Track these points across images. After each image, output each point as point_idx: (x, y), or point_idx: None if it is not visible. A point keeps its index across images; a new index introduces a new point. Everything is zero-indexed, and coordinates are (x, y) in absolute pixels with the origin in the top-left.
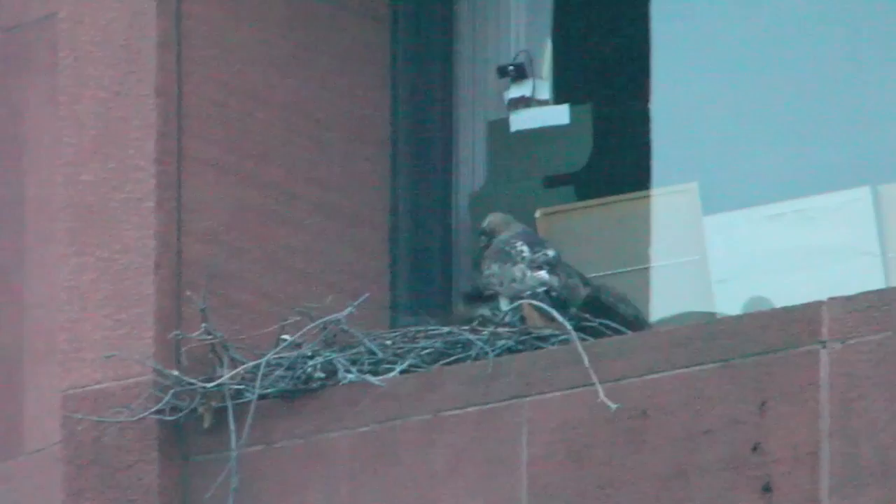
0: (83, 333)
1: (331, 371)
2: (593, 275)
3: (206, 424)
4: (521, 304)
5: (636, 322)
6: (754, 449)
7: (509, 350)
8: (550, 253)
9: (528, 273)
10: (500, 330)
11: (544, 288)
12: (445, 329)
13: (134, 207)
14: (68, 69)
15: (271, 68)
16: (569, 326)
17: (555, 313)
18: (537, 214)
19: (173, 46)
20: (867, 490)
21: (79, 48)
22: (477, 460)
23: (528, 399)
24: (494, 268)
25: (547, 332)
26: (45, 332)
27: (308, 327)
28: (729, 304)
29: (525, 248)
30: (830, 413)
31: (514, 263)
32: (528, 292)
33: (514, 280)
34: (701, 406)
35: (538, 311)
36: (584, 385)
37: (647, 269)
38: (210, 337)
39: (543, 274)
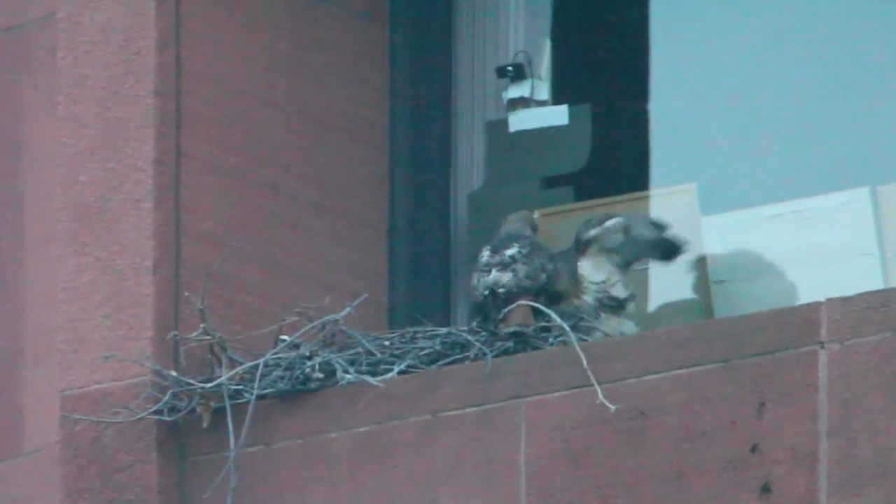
0: (82, 334)
1: (329, 371)
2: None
3: (204, 424)
4: (517, 305)
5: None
6: (753, 450)
7: (507, 351)
8: (508, 251)
9: (481, 279)
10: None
11: (489, 291)
12: (444, 330)
13: (132, 208)
14: (67, 69)
15: (271, 68)
16: (566, 327)
17: (553, 314)
18: (536, 215)
19: (172, 47)
20: (866, 491)
21: (77, 48)
22: (475, 461)
23: (526, 400)
24: (471, 277)
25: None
26: (44, 332)
27: (306, 328)
28: (728, 304)
29: (487, 252)
30: (829, 414)
31: (475, 270)
32: (481, 297)
33: (473, 288)
34: (700, 407)
35: (533, 310)
36: (583, 386)
37: (646, 269)
38: (208, 337)
39: (490, 277)
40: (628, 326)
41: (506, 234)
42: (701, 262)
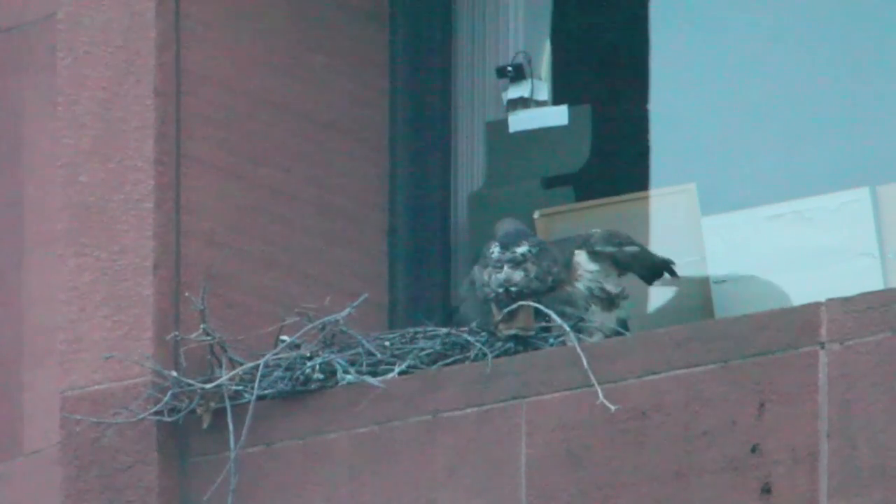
0: (82, 334)
1: (330, 372)
2: None
3: (204, 425)
4: (519, 306)
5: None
6: (753, 450)
7: (508, 351)
8: (520, 249)
9: (493, 275)
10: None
11: (502, 288)
12: (444, 330)
13: (133, 208)
14: (67, 70)
15: (271, 68)
16: (566, 327)
17: (553, 314)
18: (536, 215)
19: (172, 47)
20: (866, 491)
21: (77, 49)
22: (476, 461)
23: (526, 400)
24: (477, 274)
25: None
26: (44, 332)
27: (307, 328)
28: (728, 304)
29: (496, 249)
30: (829, 414)
31: (485, 267)
32: (493, 294)
33: (484, 284)
34: (700, 407)
35: (534, 311)
36: (583, 386)
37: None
38: (209, 338)
39: (502, 274)
40: (622, 314)
41: (513, 231)
42: (701, 263)
